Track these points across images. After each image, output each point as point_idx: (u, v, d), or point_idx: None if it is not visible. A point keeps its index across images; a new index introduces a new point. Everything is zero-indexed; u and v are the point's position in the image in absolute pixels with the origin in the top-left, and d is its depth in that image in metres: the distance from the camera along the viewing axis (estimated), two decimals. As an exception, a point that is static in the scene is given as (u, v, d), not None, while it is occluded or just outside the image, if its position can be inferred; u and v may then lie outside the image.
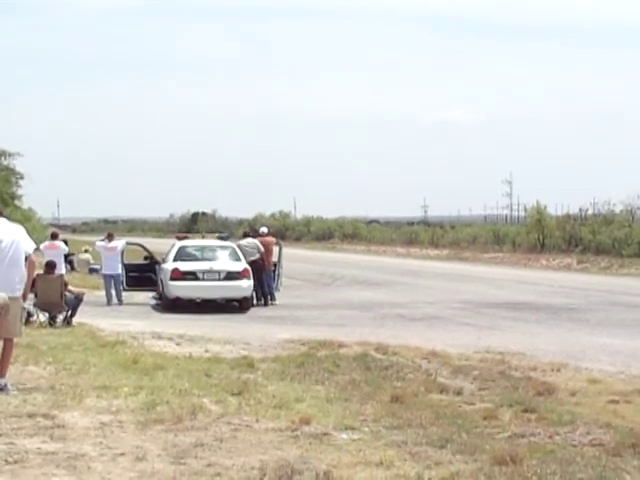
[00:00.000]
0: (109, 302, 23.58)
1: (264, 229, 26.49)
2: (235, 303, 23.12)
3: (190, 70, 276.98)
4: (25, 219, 41.45)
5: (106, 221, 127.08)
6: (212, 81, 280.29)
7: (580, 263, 42.99)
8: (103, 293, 24.00)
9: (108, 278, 23.88)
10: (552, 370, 12.94)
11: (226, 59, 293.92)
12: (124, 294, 24.03)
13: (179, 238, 26.73)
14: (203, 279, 22.74)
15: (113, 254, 24.08)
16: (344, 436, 8.81)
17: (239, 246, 24.50)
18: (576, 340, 16.66)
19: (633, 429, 9.09)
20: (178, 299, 22.71)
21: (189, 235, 34.26)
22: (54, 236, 25.06)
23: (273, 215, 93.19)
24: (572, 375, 12.61)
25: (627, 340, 16.73)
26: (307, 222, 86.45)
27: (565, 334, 17.75)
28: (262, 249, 24.35)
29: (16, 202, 52.26)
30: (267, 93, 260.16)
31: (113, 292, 23.76)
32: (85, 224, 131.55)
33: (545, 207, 54.86)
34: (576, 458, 7.93)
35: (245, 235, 25.81)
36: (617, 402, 10.66)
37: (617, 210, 52.59)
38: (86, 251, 37.17)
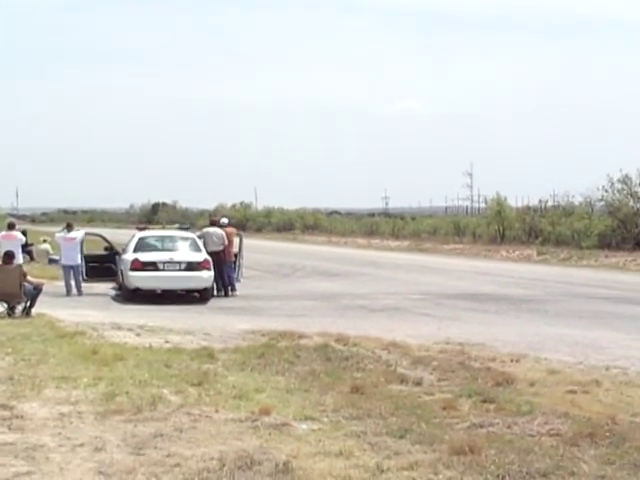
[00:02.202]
0: (68, 293, 23.44)
1: (225, 220, 26.37)
2: (195, 294, 23.06)
3: (146, 60, 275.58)
4: (-17, 209, 41.05)
5: (65, 211, 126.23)
6: (170, 71, 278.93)
7: (540, 254, 43.24)
8: (62, 284, 23.83)
9: (67, 269, 23.73)
10: (511, 361, 13.01)
11: (184, 49, 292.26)
12: (84, 285, 23.90)
13: (139, 229, 26.61)
14: (163, 270, 22.64)
15: (72, 244, 23.93)
16: (304, 426, 8.83)
17: (206, 234, 24.42)
18: (535, 331, 16.76)
19: (590, 419, 9.17)
20: (138, 290, 22.62)
21: (149, 226, 34.11)
22: (11, 226, 24.80)
23: (234, 206, 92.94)
24: (531, 366, 12.68)
25: (586, 331, 16.86)
26: (268, 213, 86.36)
27: (524, 325, 17.86)
28: (227, 241, 24.30)
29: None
30: (227, 83, 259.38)
31: (72, 283, 23.61)
32: (44, 214, 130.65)
33: (505, 199, 55.17)
34: (534, 448, 8.00)
35: (212, 223, 25.65)
36: (575, 392, 10.74)
37: (576, 202, 52.98)
38: (44, 241, 36.88)
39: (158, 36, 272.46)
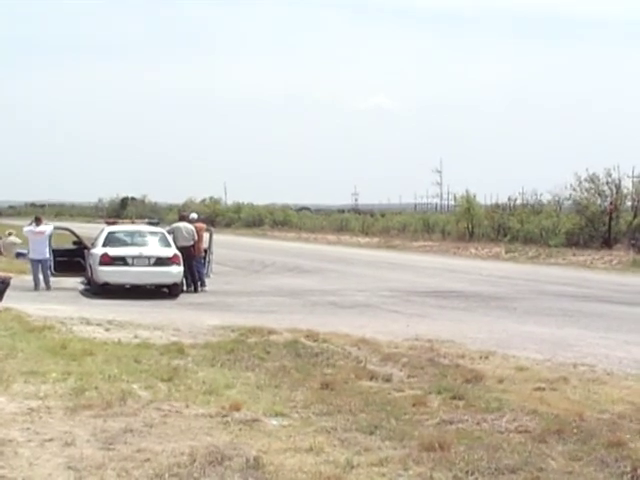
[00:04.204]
0: (37, 287, 23.31)
1: (194, 215, 26.33)
2: (165, 289, 23.01)
3: (115, 52, 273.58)
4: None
5: (33, 205, 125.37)
6: (139, 63, 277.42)
7: (508, 252, 43.42)
8: (30, 278, 23.70)
9: (35, 263, 23.60)
10: (480, 358, 13.07)
11: (154, 41, 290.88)
12: (52, 279, 23.78)
13: (108, 223, 26.50)
14: (132, 264, 22.58)
15: (41, 238, 23.80)
16: (274, 422, 8.84)
17: (176, 229, 24.39)
18: (504, 328, 16.85)
19: (558, 416, 9.24)
20: (107, 284, 22.55)
21: (118, 220, 33.98)
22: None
23: (203, 201, 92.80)
24: (500, 363, 12.75)
25: (554, 328, 16.97)
26: (237, 208, 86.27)
27: (493, 322, 17.94)
28: (196, 237, 24.29)
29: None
30: (196, 76, 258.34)
31: (41, 277, 23.49)
32: (11, 207, 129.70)
33: (474, 196, 55.34)
34: (503, 444, 8.05)
35: (182, 218, 25.62)
36: (543, 389, 10.81)
37: (545, 200, 53.36)
38: (10, 234, 36.62)
39: (128, 28, 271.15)
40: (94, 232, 27.05)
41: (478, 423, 8.96)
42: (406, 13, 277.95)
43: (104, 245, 23.19)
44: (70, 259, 24.75)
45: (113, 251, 22.78)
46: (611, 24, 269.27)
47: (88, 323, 16.14)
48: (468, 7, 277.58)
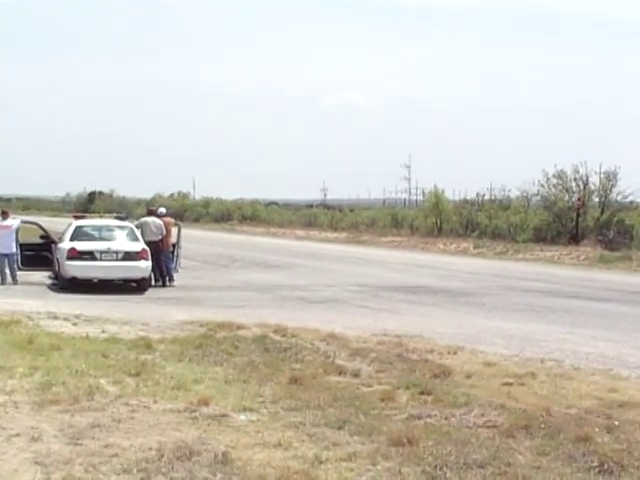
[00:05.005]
0: (3, 281, 23.16)
1: (162, 209, 26.25)
2: (133, 284, 22.93)
3: (81, 44, 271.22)
4: None
5: (0, 199, 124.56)
6: (105, 54, 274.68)
7: (476, 248, 43.62)
8: (-4, 272, 23.55)
9: (2, 257, 23.44)
10: (448, 353, 13.11)
11: (122, 31, 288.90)
12: (19, 273, 23.64)
13: (76, 217, 26.37)
14: (100, 259, 22.48)
15: (8, 232, 23.64)
16: (242, 417, 8.83)
17: (144, 223, 24.32)
18: (472, 323, 16.91)
19: (526, 410, 9.28)
20: (75, 279, 22.43)
21: (86, 215, 33.79)
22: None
23: (172, 195, 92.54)
24: (468, 358, 12.80)
25: (522, 324, 17.05)
26: (206, 203, 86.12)
27: (461, 317, 18.01)
28: (165, 231, 24.23)
29: None
30: (166, 67, 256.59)
31: (7, 271, 23.35)
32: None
33: (443, 192, 55.50)
34: (471, 439, 8.08)
35: (150, 213, 25.54)
36: (511, 384, 10.86)
37: (513, 196, 53.56)
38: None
39: (95, 19, 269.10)
40: (61, 226, 26.89)
41: (446, 418, 8.98)
42: (376, 8, 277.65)
43: (72, 239, 23.08)
44: (37, 253, 24.59)
45: (81, 245, 22.67)
46: (587, 20, 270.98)
47: (55, 318, 16.06)
48: (441, 2, 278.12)
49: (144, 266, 22.66)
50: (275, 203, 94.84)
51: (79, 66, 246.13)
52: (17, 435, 7.95)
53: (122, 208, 70.62)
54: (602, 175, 46.72)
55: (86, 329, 14.67)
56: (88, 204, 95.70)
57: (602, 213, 45.93)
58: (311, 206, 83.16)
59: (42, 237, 25.32)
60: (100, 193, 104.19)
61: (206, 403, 9.20)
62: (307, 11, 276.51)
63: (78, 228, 23.82)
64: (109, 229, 24.25)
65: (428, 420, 8.91)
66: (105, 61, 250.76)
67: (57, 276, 23.52)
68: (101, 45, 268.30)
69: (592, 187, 46.91)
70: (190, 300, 20.65)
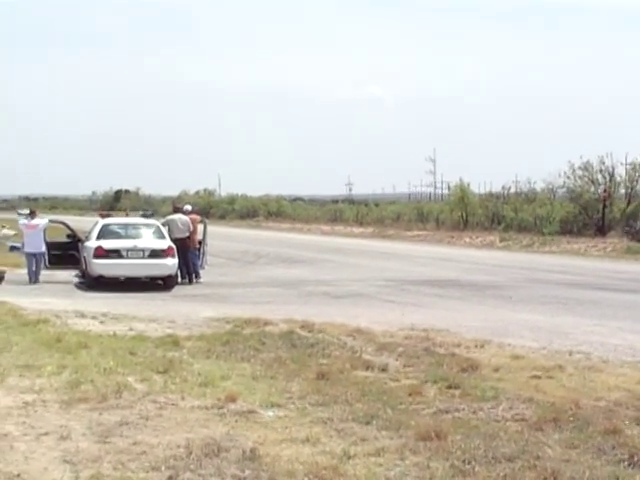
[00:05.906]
0: (31, 280, 23.28)
1: (188, 207, 26.30)
2: (159, 281, 22.98)
3: (106, 44, 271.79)
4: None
5: (27, 198, 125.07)
6: (130, 55, 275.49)
7: (502, 241, 43.48)
8: (24, 271, 23.68)
9: (30, 256, 23.58)
10: (476, 346, 13.07)
11: (144, 33, 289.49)
12: (47, 272, 23.77)
13: (102, 216, 26.47)
14: (127, 257, 22.56)
15: (35, 232, 23.78)
16: (270, 413, 8.83)
17: (171, 221, 24.39)
18: (499, 317, 16.86)
19: (554, 404, 9.24)
20: (102, 277, 22.52)
21: (112, 213, 33.91)
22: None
23: (197, 193, 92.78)
24: (495, 351, 12.75)
25: (549, 316, 16.98)
26: (231, 200, 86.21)
27: (488, 311, 17.95)
28: (191, 228, 24.29)
29: None
30: (188, 67, 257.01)
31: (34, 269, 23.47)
32: (5, 201, 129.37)
33: (468, 185, 55.44)
34: (499, 433, 8.05)
35: (176, 210, 25.59)
36: (539, 377, 10.81)
37: (538, 188, 53.38)
38: (3, 227, 36.58)
39: (115, 19, 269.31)
40: (88, 225, 27.01)
41: (474, 412, 8.95)
42: (399, 1, 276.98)
43: (98, 238, 23.16)
44: (64, 252, 24.73)
45: (107, 244, 22.75)
46: (604, 12, 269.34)
47: (83, 316, 16.13)
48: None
49: (170, 263, 22.72)
50: (300, 199, 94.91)
51: (103, 66, 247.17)
52: (46, 434, 7.97)
53: (148, 206, 70.91)
54: (628, 166, 46.56)
55: (113, 327, 14.72)
56: (114, 202, 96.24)
57: (628, 204, 45.68)
58: (336, 201, 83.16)
59: (69, 236, 25.47)
60: (126, 191, 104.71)
61: (234, 399, 9.21)
62: (328, 5, 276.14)
63: (105, 226, 23.92)
64: (135, 227, 24.32)
65: (456, 414, 8.88)
66: (132, 61, 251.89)
67: (84, 274, 23.62)
68: (127, 44, 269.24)
69: (618, 178, 46.76)
70: (216, 297, 20.68)
